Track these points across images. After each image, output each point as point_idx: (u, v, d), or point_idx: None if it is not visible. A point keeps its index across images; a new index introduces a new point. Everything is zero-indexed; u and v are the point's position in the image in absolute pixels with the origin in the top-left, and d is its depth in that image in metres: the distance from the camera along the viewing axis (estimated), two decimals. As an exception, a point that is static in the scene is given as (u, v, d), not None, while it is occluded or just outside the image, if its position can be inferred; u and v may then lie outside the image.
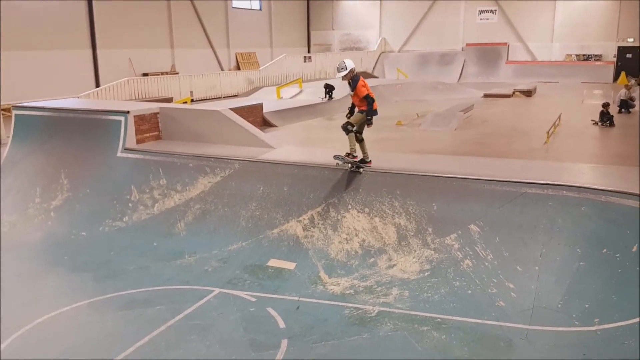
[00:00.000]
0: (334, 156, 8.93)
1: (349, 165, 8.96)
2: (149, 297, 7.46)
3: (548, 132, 14.00)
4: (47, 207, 10.25)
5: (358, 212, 8.64)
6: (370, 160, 9.04)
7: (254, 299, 7.31)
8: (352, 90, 8.64)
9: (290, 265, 8.20)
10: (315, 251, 8.34)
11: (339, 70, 8.56)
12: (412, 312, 6.82)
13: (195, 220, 9.48)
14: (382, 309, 6.92)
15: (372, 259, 8.05)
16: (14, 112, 12.07)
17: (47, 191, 10.52)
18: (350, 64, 8.52)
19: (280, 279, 7.87)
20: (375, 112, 8.69)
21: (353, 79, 8.60)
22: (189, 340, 6.33)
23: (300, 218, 8.86)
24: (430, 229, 8.12)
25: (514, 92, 24.91)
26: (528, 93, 24.90)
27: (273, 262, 8.35)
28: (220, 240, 8.99)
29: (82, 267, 8.42)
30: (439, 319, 6.65)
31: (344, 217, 8.62)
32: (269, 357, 5.91)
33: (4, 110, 17.86)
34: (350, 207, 8.69)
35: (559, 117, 16.36)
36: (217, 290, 7.59)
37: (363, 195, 8.77)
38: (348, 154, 8.80)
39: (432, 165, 9.34)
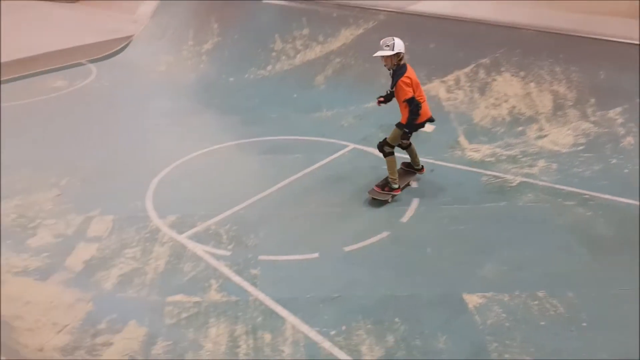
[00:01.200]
0: (369, 192, 6.34)
1: (390, 198, 6.27)
2: (288, 145, 7.77)
3: None
4: (199, 50, 10.75)
5: (512, 75, 7.91)
6: (400, 187, 6.30)
7: (388, 156, 7.28)
8: (391, 87, 6.04)
9: (428, 128, 7.92)
10: (457, 115, 7.93)
11: (382, 47, 5.86)
12: (557, 186, 6.36)
13: (334, 74, 9.40)
14: (524, 179, 6.54)
15: (520, 128, 7.49)
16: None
17: (199, 34, 10.97)
18: (399, 45, 5.81)
19: (417, 140, 7.65)
20: (419, 126, 6.11)
21: (395, 70, 5.93)
22: (325, 188, 6.58)
23: (445, 78, 8.36)
24: (592, 100, 7.26)
25: None
26: None
27: (411, 122, 8.12)
28: (357, 96, 8.88)
29: (231, 111, 8.91)
30: (586, 196, 6.15)
31: (495, 80, 7.96)
32: (399, 213, 5.98)
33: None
34: (503, 69, 7.96)
35: None
36: (351, 146, 7.65)
37: (520, 57, 7.95)
38: (386, 185, 6.27)
39: (606, 28, 8.06)
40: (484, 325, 4.32)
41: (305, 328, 4.31)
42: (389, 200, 6.14)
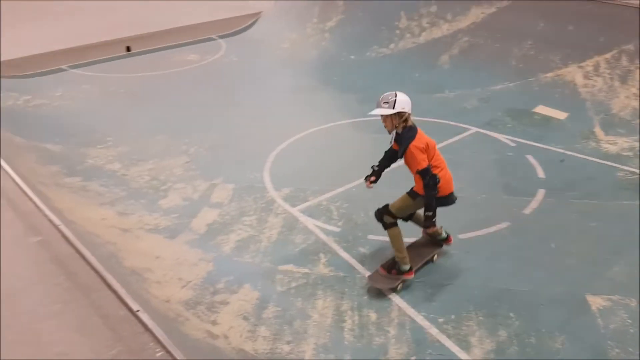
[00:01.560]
0: (370, 277, 4.73)
1: (399, 284, 4.63)
2: (406, 124, 7.63)
3: None
4: (322, 27, 10.84)
5: (661, 62, 7.12)
6: (412, 268, 4.68)
7: (513, 144, 6.90)
8: (400, 155, 4.65)
9: (560, 115, 7.40)
10: (594, 103, 7.30)
11: (380, 104, 4.55)
12: None
13: (461, 54, 9.04)
14: (667, 178, 5.90)
15: (666, 121, 6.74)
16: None
17: (324, 11, 11.05)
18: (402, 102, 4.48)
19: (547, 128, 7.20)
20: (441, 202, 4.58)
21: (402, 134, 4.60)
22: (441, 172, 6.39)
23: (583, 64, 7.71)
24: None
25: None
26: None
27: (541, 109, 7.62)
28: (484, 78, 8.49)
29: (349, 89, 8.93)
30: None
31: (639, 68, 7.19)
32: (522, 203, 5.66)
33: None
34: (651, 55, 7.18)
35: None
36: (474, 129, 7.35)
37: (672, 42, 7.11)
38: (393, 266, 4.66)
39: None
40: (606, 330, 4.00)
41: (411, 312, 4.26)
42: (398, 288, 4.59)
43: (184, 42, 11.59)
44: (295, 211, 5.70)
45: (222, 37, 11.91)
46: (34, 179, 4.76)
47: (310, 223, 5.50)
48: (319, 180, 6.28)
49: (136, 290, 3.84)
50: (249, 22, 12.35)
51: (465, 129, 7.37)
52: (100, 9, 12.70)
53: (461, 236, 5.18)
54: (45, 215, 4.10)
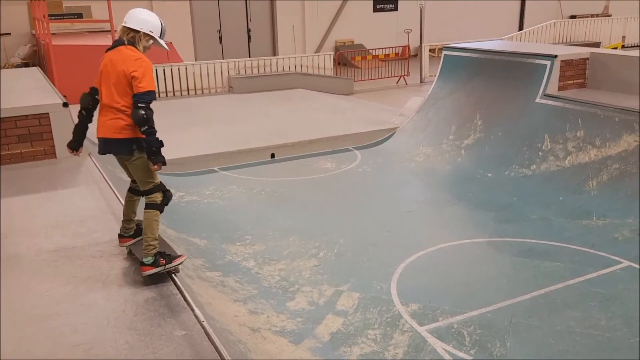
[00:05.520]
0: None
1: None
2: (548, 250, 7.15)
3: None
4: (459, 144, 10.90)
5: None
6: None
7: (675, 283, 6.12)
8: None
9: None
10: None
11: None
12: None
13: (610, 181, 8.49)
14: None
15: None
16: (444, 52, 12.99)
17: (461, 129, 11.16)
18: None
19: None
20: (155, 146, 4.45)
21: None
22: (589, 306, 5.80)
23: None
24: None
25: None
26: None
27: None
28: (638, 207, 7.79)
29: (485, 206, 8.68)
30: None
31: None
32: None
33: (430, 51, 20.11)
34: None
35: None
36: (626, 263, 6.68)
37: None
38: (159, 258, 4.66)
39: None
40: None
41: None
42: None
43: (322, 151, 12.23)
44: (423, 330, 5.43)
45: (357, 148, 12.40)
46: (183, 271, 5.08)
47: (439, 346, 5.18)
48: (450, 299, 5.99)
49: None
50: (385, 136, 12.79)
51: (616, 262, 6.73)
52: (252, 121, 14.00)
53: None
54: (192, 310, 4.26)
